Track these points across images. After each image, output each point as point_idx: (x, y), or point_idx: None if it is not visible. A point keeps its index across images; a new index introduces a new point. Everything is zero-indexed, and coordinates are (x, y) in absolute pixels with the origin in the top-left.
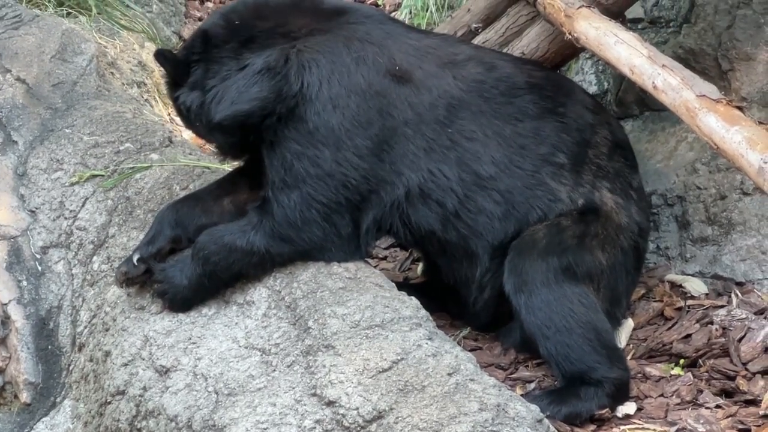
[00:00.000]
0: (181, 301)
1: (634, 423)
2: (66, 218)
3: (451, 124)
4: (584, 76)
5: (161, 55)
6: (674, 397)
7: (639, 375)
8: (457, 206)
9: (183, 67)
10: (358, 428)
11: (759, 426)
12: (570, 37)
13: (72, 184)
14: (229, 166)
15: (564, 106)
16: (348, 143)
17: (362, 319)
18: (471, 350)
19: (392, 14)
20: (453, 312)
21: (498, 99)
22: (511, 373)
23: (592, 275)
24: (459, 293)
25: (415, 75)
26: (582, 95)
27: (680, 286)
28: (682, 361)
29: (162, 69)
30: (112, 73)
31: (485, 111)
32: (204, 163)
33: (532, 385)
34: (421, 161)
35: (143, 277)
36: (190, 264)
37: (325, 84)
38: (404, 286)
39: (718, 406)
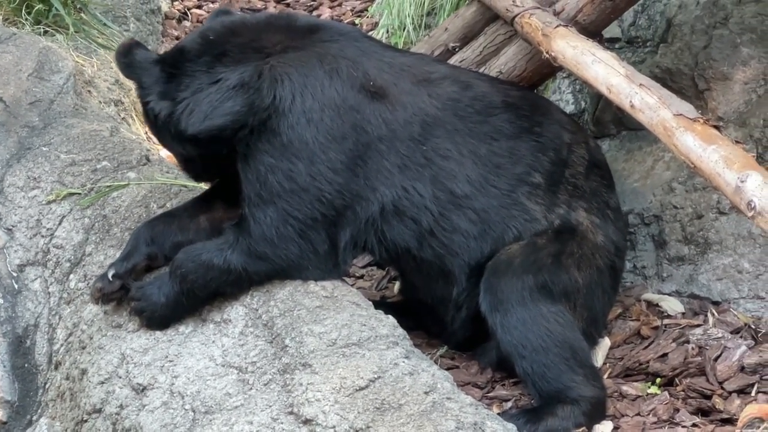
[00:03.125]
0: (159, 319)
1: None
2: (43, 236)
3: (425, 141)
4: (561, 96)
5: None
6: (651, 416)
7: (615, 394)
8: (432, 224)
9: (149, 69)
10: None
11: None
12: (547, 56)
13: (49, 202)
14: (206, 185)
15: (540, 125)
16: (322, 157)
17: (339, 337)
18: (448, 369)
19: (369, 33)
20: (430, 330)
21: (473, 118)
22: (488, 392)
23: (569, 293)
24: (436, 312)
25: (390, 91)
26: (559, 115)
27: (657, 305)
28: (658, 380)
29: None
30: (89, 91)
31: (460, 129)
32: (181, 181)
33: (509, 404)
34: (396, 178)
35: (119, 293)
36: (168, 282)
37: (298, 97)
38: (381, 304)
39: (694, 425)
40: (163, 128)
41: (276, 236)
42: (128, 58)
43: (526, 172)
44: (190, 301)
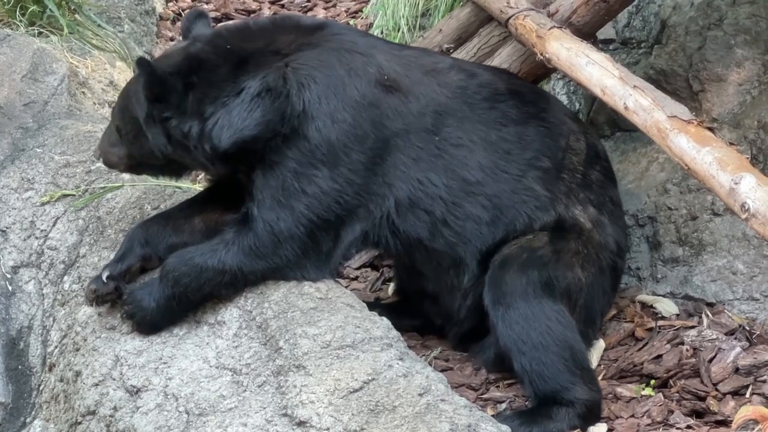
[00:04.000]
0: (149, 324)
1: None
2: (37, 238)
3: (438, 131)
4: (556, 97)
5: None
6: (645, 417)
7: (610, 395)
8: (445, 213)
9: (161, 83)
10: None
11: None
12: (542, 57)
13: (43, 204)
14: (200, 186)
15: (546, 111)
16: (345, 159)
17: (333, 339)
18: (442, 371)
19: None
20: (432, 324)
21: (481, 104)
22: (483, 394)
23: (571, 292)
24: (442, 302)
25: (403, 83)
26: (560, 105)
27: (651, 306)
28: (652, 381)
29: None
30: (83, 92)
31: (470, 117)
32: (175, 182)
33: (504, 406)
34: (411, 170)
35: (113, 295)
36: (159, 287)
37: (323, 99)
38: (375, 306)
39: (688, 427)
40: (196, 149)
41: (284, 237)
42: (153, 69)
43: (535, 157)
44: (182, 305)
